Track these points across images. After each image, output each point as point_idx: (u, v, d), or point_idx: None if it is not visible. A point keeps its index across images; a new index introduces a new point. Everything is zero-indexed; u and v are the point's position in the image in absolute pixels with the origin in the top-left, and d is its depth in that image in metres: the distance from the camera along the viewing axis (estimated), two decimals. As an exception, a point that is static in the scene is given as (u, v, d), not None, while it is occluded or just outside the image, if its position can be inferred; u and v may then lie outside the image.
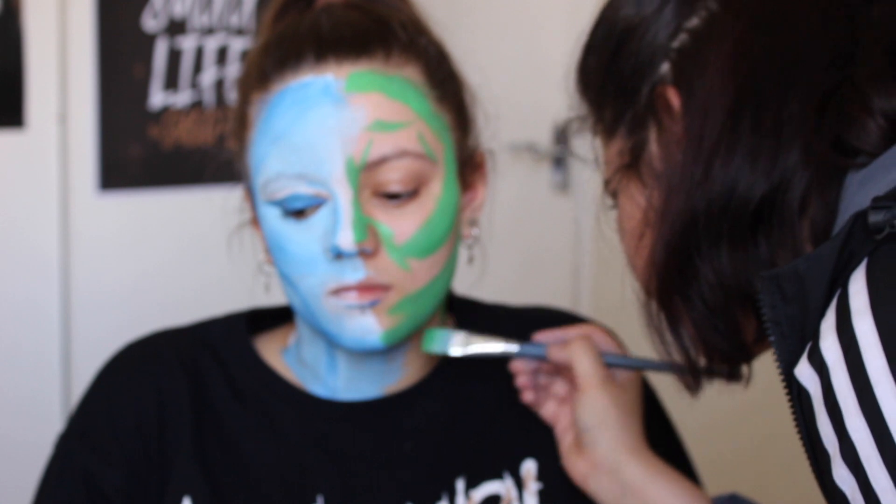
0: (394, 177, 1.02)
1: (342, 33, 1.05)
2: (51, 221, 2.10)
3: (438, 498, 1.09)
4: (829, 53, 0.83)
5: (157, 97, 2.18)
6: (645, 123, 0.89)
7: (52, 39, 2.06)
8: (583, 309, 2.56)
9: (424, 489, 1.09)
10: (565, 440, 1.10)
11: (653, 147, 0.89)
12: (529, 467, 1.12)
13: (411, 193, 1.03)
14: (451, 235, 1.06)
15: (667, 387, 1.06)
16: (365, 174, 1.02)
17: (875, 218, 0.75)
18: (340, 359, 1.11)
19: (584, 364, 1.08)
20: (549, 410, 1.12)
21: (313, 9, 1.10)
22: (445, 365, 1.14)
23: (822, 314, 0.76)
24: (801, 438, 0.78)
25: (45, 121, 2.07)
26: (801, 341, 0.78)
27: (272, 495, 1.08)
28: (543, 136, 2.67)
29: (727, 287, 0.85)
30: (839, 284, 0.76)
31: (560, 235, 2.70)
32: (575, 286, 2.68)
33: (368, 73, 1.03)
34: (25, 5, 2.02)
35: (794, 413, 0.79)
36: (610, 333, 1.13)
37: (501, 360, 1.15)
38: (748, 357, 0.91)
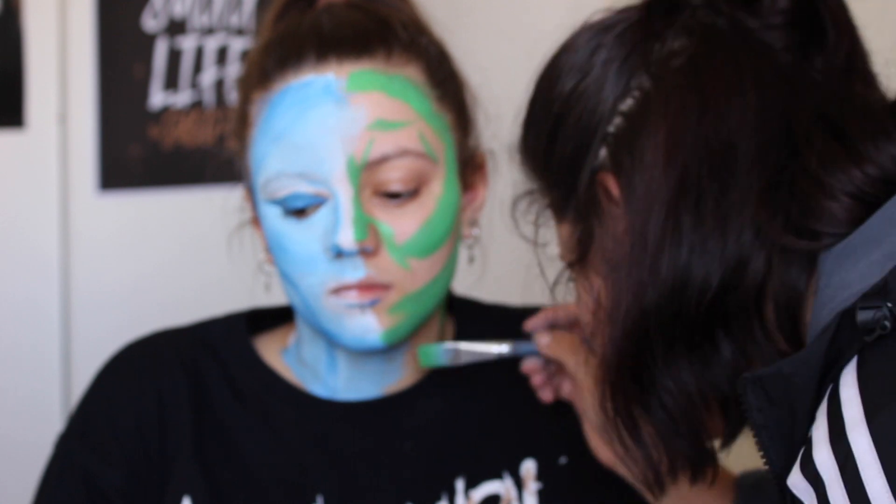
0: (395, 176, 1.02)
1: (343, 33, 1.05)
2: (51, 221, 2.09)
3: (438, 498, 1.09)
4: (766, 137, 0.79)
5: (157, 97, 2.17)
6: (589, 212, 0.86)
7: (52, 39, 2.05)
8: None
9: (424, 489, 1.09)
10: (586, 421, 1.08)
11: (599, 236, 0.85)
12: (529, 467, 1.12)
13: (412, 193, 1.03)
14: (451, 235, 1.06)
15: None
16: (366, 173, 1.02)
17: (864, 317, 0.72)
18: (340, 358, 1.11)
19: (572, 362, 1.06)
20: (567, 390, 1.11)
21: (314, 9, 1.10)
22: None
23: (811, 417, 0.74)
24: None
25: (45, 121, 2.06)
26: (789, 445, 0.76)
27: (272, 495, 1.08)
28: (543, 136, 2.67)
29: (688, 394, 0.82)
30: (827, 385, 0.74)
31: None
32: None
33: (369, 72, 1.03)
34: (25, 5, 2.01)
35: None
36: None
37: (503, 361, 1.15)
38: (712, 462, 0.88)
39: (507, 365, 1.16)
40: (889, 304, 0.72)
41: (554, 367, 1.11)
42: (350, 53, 1.04)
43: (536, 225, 0.93)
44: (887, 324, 0.71)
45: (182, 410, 1.11)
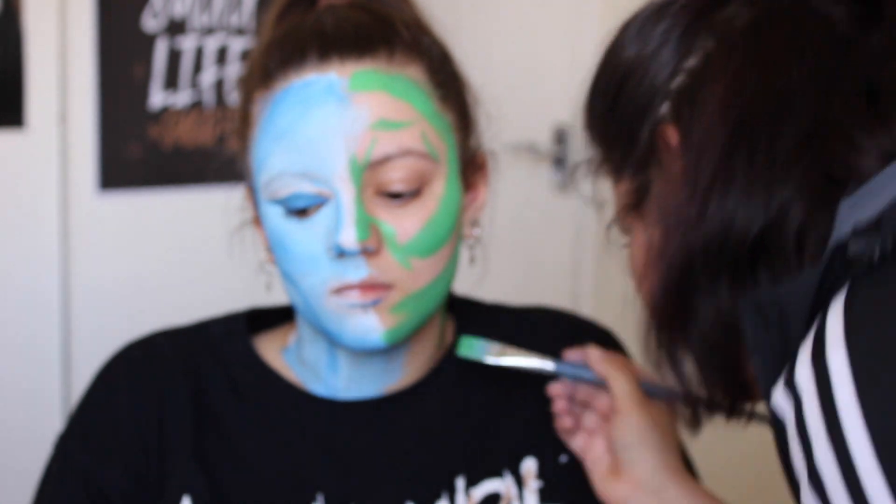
0: (397, 176, 1.02)
1: (346, 32, 1.04)
2: (51, 221, 2.10)
3: (439, 496, 1.09)
4: (816, 98, 0.84)
5: (157, 97, 2.18)
6: (648, 164, 0.90)
7: (52, 39, 2.05)
8: (583, 309, 2.56)
9: (425, 488, 1.09)
10: (598, 469, 1.10)
11: (656, 187, 0.90)
12: (529, 465, 1.12)
13: (414, 193, 1.03)
14: (453, 235, 1.06)
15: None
16: (368, 173, 1.02)
17: (854, 248, 0.76)
18: (341, 358, 1.11)
19: (622, 383, 1.08)
20: (579, 444, 1.12)
21: (316, 8, 1.10)
22: (445, 364, 1.15)
23: (802, 342, 0.77)
24: (784, 473, 0.79)
25: (45, 121, 2.07)
26: (779, 369, 0.78)
27: (272, 494, 1.08)
28: (543, 136, 2.67)
29: (728, 325, 0.85)
30: (820, 313, 0.76)
31: (560, 235, 2.70)
32: (575, 286, 2.68)
33: (372, 71, 1.03)
34: (25, 5, 2.02)
35: (776, 445, 0.79)
36: (636, 368, 1.13)
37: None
38: (749, 395, 0.91)
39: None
40: (880, 237, 0.76)
41: (576, 410, 1.13)
42: (352, 53, 1.04)
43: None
44: (876, 254, 0.75)
45: (182, 410, 1.11)
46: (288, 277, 1.06)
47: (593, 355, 1.11)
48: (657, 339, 0.90)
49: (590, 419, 1.12)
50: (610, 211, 0.97)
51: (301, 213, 1.03)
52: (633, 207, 0.92)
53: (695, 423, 0.95)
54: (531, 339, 1.19)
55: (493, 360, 1.12)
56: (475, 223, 1.12)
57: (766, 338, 0.80)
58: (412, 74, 1.05)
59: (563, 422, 1.13)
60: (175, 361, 1.13)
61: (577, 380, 1.12)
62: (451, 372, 1.14)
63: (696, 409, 0.93)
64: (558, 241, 2.70)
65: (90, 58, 2.10)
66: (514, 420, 1.14)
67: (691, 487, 1.07)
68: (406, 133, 1.03)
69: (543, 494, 1.11)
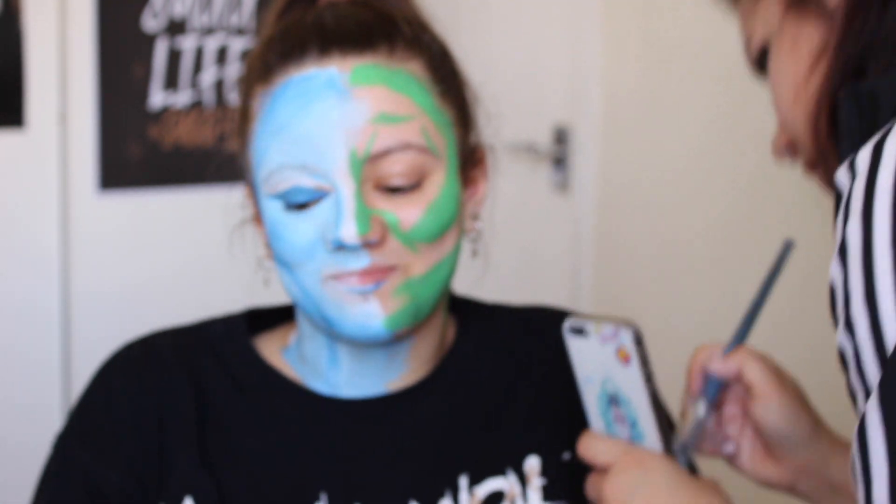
0: (396, 170, 1.02)
1: (347, 27, 1.05)
2: (51, 221, 2.10)
3: (442, 495, 1.09)
4: None
5: (157, 97, 2.18)
6: None
7: (52, 39, 2.05)
8: (582, 309, 2.56)
9: (428, 486, 1.09)
10: (745, 453, 1.08)
11: None
12: (533, 463, 1.12)
13: (413, 186, 1.03)
14: (455, 223, 1.07)
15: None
16: (368, 166, 1.02)
17: None
18: (342, 353, 1.11)
19: (756, 369, 1.06)
20: (730, 448, 1.10)
21: (317, 6, 1.10)
22: (448, 363, 1.15)
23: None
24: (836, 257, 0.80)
25: (45, 121, 2.07)
26: None
27: (275, 494, 1.08)
28: (543, 136, 2.67)
29: None
30: None
31: (560, 235, 2.70)
32: (575, 286, 2.68)
33: (372, 66, 1.03)
34: (25, 5, 2.02)
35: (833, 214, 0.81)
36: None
37: (508, 358, 1.15)
38: None
39: (510, 360, 1.16)
40: None
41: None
42: (353, 47, 1.04)
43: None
44: None
45: (183, 409, 1.11)
46: (285, 267, 1.06)
47: (710, 358, 1.08)
48: (818, 148, 0.89)
49: (728, 412, 1.10)
50: None
51: (300, 206, 1.03)
52: (799, 3, 0.90)
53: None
54: (532, 337, 1.19)
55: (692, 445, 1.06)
56: (476, 216, 1.12)
57: (857, 125, 0.81)
58: (412, 69, 1.05)
59: (726, 448, 1.10)
60: (175, 361, 1.13)
61: (715, 397, 1.08)
62: (453, 370, 1.14)
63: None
64: (558, 241, 2.70)
65: (90, 58, 2.10)
66: (516, 418, 1.14)
67: (840, 449, 1.05)
68: (406, 127, 1.03)
69: (547, 492, 1.11)
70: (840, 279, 0.76)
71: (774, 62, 0.94)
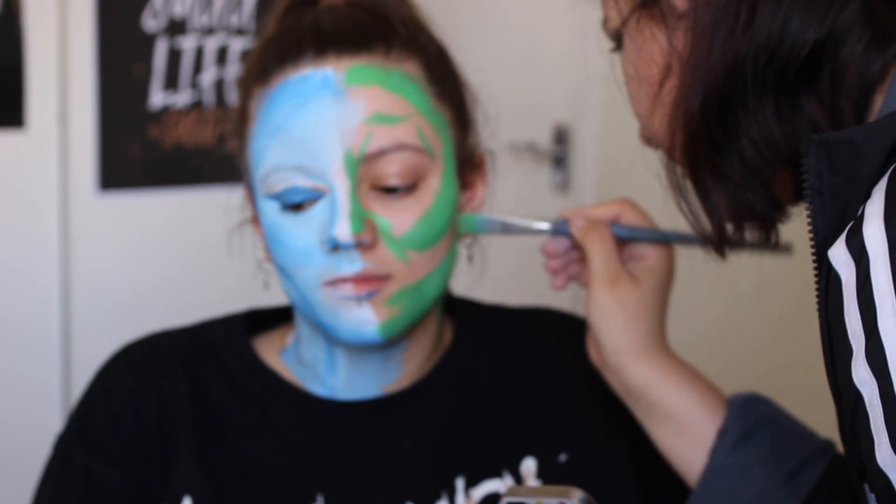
0: (392, 170, 1.03)
1: (343, 28, 1.05)
2: (51, 221, 2.10)
3: (438, 497, 1.09)
4: None
5: (157, 97, 2.18)
6: None
7: (52, 39, 2.06)
8: (582, 309, 2.55)
9: (424, 488, 1.09)
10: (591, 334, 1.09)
11: None
12: (529, 465, 1.12)
13: (409, 187, 1.04)
14: (449, 230, 1.07)
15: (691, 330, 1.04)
16: (363, 167, 1.02)
17: None
18: (339, 356, 1.11)
19: (595, 259, 1.06)
20: (585, 279, 1.10)
21: (315, 8, 1.10)
22: (444, 365, 1.15)
23: (868, 192, 0.71)
24: (821, 321, 0.74)
25: (45, 121, 2.07)
26: (840, 215, 0.74)
27: (272, 494, 1.08)
28: (543, 136, 2.67)
29: (771, 143, 0.79)
30: (893, 162, 0.71)
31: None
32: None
33: (368, 66, 1.04)
34: (25, 5, 2.02)
35: (818, 292, 0.74)
36: (639, 208, 1.10)
37: (505, 360, 1.15)
38: (781, 214, 0.85)
39: (507, 362, 1.16)
40: None
41: (576, 255, 1.11)
42: (349, 48, 1.04)
43: None
44: None
45: (182, 410, 1.11)
46: (283, 272, 1.06)
47: (577, 222, 1.08)
48: (687, 155, 0.83)
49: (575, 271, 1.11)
50: None
51: (297, 207, 1.03)
52: (646, 4, 0.83)
53: (722, 251, 0.88)
54: (529, 339, 1.19)
55: (490, 230, 1.09)
56: (473, 223, 1.12)
57: (829, 181, 0.73)
58: (408, 70, 1.06)
59: (558, 281, 1.11)
60: (174, 362, 1.13)
61: (566, 237, 1.10)
62: (449, 372, 1.14)
63: (722, 234, 0.85)
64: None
65: (90, 58, 2.10)
66: (513, 420, 1.14)
67: (653, 367, 1.04)
68: (401, 127, 1.03)
69: (543, 494, 1.11)
70: (875, 391, 0.67)
71: (625, 60, 0.88)
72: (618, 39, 0.89)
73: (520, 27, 2.68)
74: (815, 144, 0.74)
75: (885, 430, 0.66)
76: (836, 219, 0.74)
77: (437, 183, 1.05)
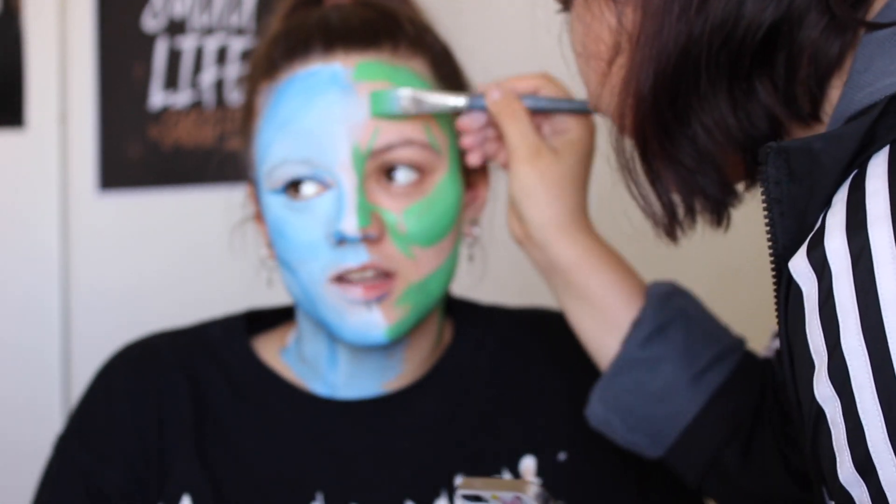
0: (398, 165, 1.03)
1: (351, 25, 1.06)
2: (51, 221, 2.09)
3: (437, 495, 1.09)
4: None
5: (157, 97, 2.17)
6: None
7: (52, 39, 2.05)
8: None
9: (423, 486, 1.09)
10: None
11: None
12: (528, 464, 1.12)
13: (415, 183, 1.04)
14: (454, 227, 1.07)
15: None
16: (370, 161, 1.03)
17: None
18: (341, 353, 1.11)
19: (512, 135, 1.03)
20: (502, 158, 1.08)
21: (322, 6, 1.11)
22: (444, 363, 1.15)
23: (828, 200, 0.70)
24: (780, 332, 0.73)
25: (45, 121, 2.06)
26: (799, 223, 0.72)
27: (272, 493, 1.08)
28: (543, 136, 2.67)
29: (724, 129, 0.76)
30: (852, 171, 0.69)
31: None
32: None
33: (376, 63, 1.04)
34: (25, 5, 2.01)
35: (777, 301, 0.73)
36: (557, 81, 1.07)
37: (504, 360, 1.15)
38: (733, 197, 0.83)
39: (506, 362, 1.16)
40: None
41: (491, 133, 1.08)
42: (357, 45, 1.05)
43: None
44: None
45: (181, 410, 1.11)
46: (286, 266, 1.06)
47: (493, 95, 1.05)
48: (636, 136, 0.81)
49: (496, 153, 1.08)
50: None
51: (297, 190, 1.03)
52: None
53: (674, 233, 0.85)
54: (528, 339, 1.19)
55: (403, 109, 1.03)
56: (475, 222, 1.13)
57: (789, 189, 0.72)
58: (415, 68, 1.06)
59: (473, 158, 1.08)
60: (174, 362, 1.13)
61: (482, 111, 1.06)
62: (449, 371, 1.15)
63: (673, 219, 0.84)
64: (473, 115, 2.69)
65: (90, 58, 2.10)
66: (512, 419, 1.14)
67: (577, 244, 1.04)
68: (409, 123, 1.03)
69: (542, 493, 1.11)
70: (837, 409, 0.66)
71: (573, 35, 0.85)
72: (566, 7, 0.87)
73: (520, 27, 2.67)
74: (773, 152, 0.72)
75: (848, 448, 0.65)
76: (795, 227, 0.73)
77: (443, 180, 1.05)
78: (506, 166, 1.07)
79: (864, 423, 0.64)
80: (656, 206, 0.84)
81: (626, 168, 0.84)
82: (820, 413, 0.67)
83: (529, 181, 1.03)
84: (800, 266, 0.69)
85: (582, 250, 1.04)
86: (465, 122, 1.08)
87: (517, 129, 1.03)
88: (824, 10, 0.74)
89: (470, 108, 1.06)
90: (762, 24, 0.74)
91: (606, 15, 0.80)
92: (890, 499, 0.64)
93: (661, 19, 0.76)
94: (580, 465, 1.12)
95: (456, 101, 1.06)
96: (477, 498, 0.91)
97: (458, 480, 1.07)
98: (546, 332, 1.20)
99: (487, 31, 2.64)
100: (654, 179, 0.83)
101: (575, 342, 1.16)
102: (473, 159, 1.09)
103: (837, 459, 0.66)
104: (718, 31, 0.74)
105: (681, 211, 0.84)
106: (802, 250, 0.69)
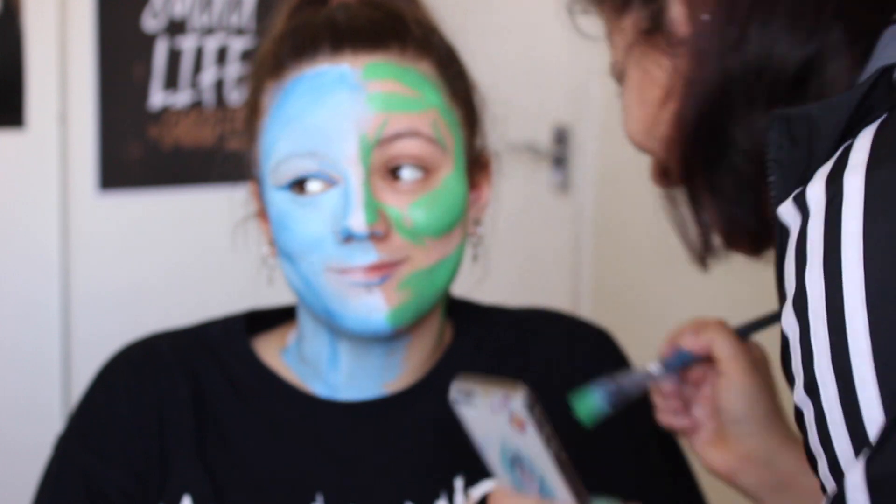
0: (405, 156, 1.03)
1: (358, 25, 1.06)
2: (51, 221, 2.09)
3: (437, 496, 1.09)
4: None
5: (157, 97, 2.17)
6: None
7: (52, 39, 2.05)
8: (583, 309, 2.56)
9: (423, 488, 1.09)
10: (701, 436, 1.04)
11: (674, 11, 0.85)
12: (528, 465, 1.12)
13: (421, 178, 1.04)
14: (461, 222, 1.07)
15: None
16: (377, 153, 1.02)
17: None
18: (342, 351, 1.11)
19: (726, 347, 1.01)
20: (684, 423, 1.06)
21: (328, 5, 1.11)
22: (444, 365, 1.15)
23: (824, 162, 0.75)
24: (776, 277, 0.77)
25: (45, 121, 2.06)
26: (798, 184, 0.76)
27: (272, 494, 1.08)
28: (543, 136, 2.67)
29: (761, 155, 0.81)
30: (850, 136, 0.75)
31: (560, 235, 2.70)
32: (575, 286, 2.68)
33: (385, 64, 1.04)
34: (25, 5, 2.02)
35: (776, 250, 0.77)
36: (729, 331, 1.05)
37: (504, 360, 1.15)
38: (770, 231, 0.85)
39: (506, 362, 1.16)
40: None
41: (687, 393, 1.06)
42: (365, 45, 1.05)
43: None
44: None
45: (182, 410, 1.11)
46: (288, 258, 1.06)
47: (685, 332, 1.04)
48: (682, 171, 0.86)
49: (687, 391, 1.06)
50: None
51: (302, 187, 1.03)
52: (648, 33, 0.86)
53: (706, 260, 0.91)
54: (529, 339, 1.19)
55: (612, 400, 1.02)
56: (478, 222, 1.13)
57: (790, 153, 0.77)
58: (423, 69, 1.06)
59: (679, 421, 1.05)
60: (174, 362, 1.13)
61: (681, 367, 1.04)
62: (450, 372, 1.14)
63: (707, 246, 0.89)
64: (558, 241, 2.70)
65: (90, 58, 2.10)
66: (513, 420, 1.14)
67: (800, 452, 0.97)
68: (417, 116, 1.04)
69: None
70: (796, 334, 0.72)
71: (626, 92, 0.91)
72: (621, 76, 0.92)
73: (520, 27, 2.68)
74: (777, 119, 0.78)
75: (802, 371, 0.71)
76: (795, 187, 0.77)
77: (448, 177, 1.06)
78: (693, 398, 1.05)
79: (814, 348, 0.70)
80: (693, 233, 0.90)
81: (668, 196, 0.90)
82: (784, 340, 0.73)
83: (751, 392, 1.01)
84: (787, 209, 0.75)
85: (797, 450, 1.01)
86: (667, 388, 1.06)
87: (730, 341, 1.03)
88: (852, 46, 0.80)
89: (666, 371, 1.04)
90: (793, 61, 0.80)
91: (662, 64, 0.86)
92: (828, 418, 0.70)
93: (703, 61, 0.83)
94: (580, 464, 1.12)
95: (652, 369, 1.04)
96: (468, 397, 0.94)
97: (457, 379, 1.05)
98: (547, 332, 1.20)
99: (482, 30, 2.64)
100: (697, 209, 0.88)
101: (575, 341, 1.16)
102: (681, 422, 1.06)
103: (795, 381, 0.73)
104: (754, 67, 0.81)
105: (716, 240, 0.89)
106: (792, 196, 0.75)
